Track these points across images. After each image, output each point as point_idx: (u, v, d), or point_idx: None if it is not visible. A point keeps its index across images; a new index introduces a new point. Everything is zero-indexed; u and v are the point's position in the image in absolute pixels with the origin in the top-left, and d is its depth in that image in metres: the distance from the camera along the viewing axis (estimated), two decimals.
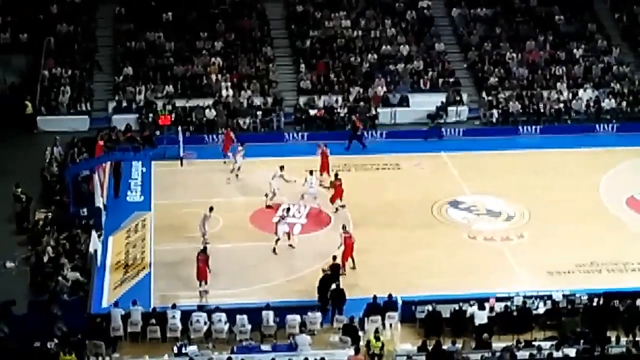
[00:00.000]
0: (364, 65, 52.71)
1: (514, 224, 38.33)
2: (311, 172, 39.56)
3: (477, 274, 34.04)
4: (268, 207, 38.85)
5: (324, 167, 41.71)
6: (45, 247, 33.75)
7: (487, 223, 38.37)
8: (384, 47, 53.88)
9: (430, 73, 52.62)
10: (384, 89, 51.42)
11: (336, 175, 39.88)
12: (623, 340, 28.77)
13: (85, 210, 37.15)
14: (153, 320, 29.74)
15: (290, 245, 35.66)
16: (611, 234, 37.22)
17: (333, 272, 31.73)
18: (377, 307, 30.27)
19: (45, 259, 33.23)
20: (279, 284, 33.20)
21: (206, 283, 32.55)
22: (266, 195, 38.89)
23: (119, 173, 41.21)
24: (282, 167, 39.26)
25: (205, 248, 33.29)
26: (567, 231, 37.21)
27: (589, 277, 33.94)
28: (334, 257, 32.45)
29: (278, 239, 35.24)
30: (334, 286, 30.98)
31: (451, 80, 52.39)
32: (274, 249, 35.17)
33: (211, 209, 35.75)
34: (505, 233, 37.42)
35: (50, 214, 37.46)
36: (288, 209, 37.43)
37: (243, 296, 32.17)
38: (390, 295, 30.71)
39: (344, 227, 34.10)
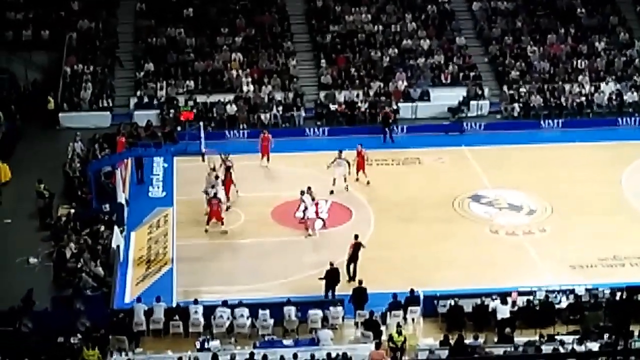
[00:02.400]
0: (384, 60, 52.64)
1: (536, 218, 38.21)
2: (307, 190, 37.29)
3: (499, 268, 33.99)
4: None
5: (360, 166, 41.08)
6: (68, 243, 33.90)
7: (509, 217, 38.27)
8: (404, 41, 53.80)
9: (451, 67, 52.51)
10: (405, 83, 51.35)
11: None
12: None
13: (107, 206, 37.27)
14: (176, 316, 29.84)
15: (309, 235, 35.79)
16: (634, 228, 37.00)
17: (330, 278, 31.61)
18: (399, 304, 30.24)
19: (68, 254, 33.39)
20: (301, 278, 33.17)
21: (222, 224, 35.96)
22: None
23: (142, 162, 41.67)
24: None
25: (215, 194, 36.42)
26: (589, 225, 37.06)
27: (612, 271, 33.80)
28: (331, 264, 32.12)
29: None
30: (356, 284, 30.95)
31: (472, 74, 52.25)
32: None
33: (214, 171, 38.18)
34: (527, 227, 37.31)
35: (72, 210, 37.63)
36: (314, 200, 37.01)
37: (265, 291, 32.22)
38: (412, 290, 30.68)
39: (356, 236, 33.31)
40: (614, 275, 33.31)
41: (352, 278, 32.25)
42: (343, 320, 30.22)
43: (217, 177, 38.17)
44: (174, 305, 30.63)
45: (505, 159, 44.15)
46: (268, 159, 42.88)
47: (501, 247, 35.95)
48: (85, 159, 42.16)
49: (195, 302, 30.18)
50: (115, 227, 35.13)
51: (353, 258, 32.57)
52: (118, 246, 34.32)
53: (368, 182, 40.64)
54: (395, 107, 49.70)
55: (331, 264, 31.89)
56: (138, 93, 50.12)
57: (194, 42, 53.06)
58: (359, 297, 30.42)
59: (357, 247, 32.62)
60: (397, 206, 38.96)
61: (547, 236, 36.67)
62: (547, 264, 34.38)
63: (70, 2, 54.41)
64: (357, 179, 40.89)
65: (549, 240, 36.31)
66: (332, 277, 31.57)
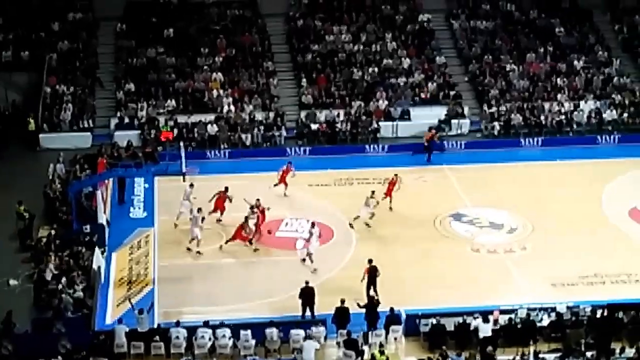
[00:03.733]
0: (365, 79, 52.79)
1: (516, 236, 38.32)
2: (313, 224, 36.68)
3: (481, 286, 34.03)
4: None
5: (388, 193, 40.61)
6: (48, 264, 33.74)
7: (490, 235, 38.37)
8: (385, 60, 54.00)
9: (431, 86, 52.70)
10: (386, 102, 51.51)
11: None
12: (628, 351, 28.72)
13: (88, 227, 37.15)
14: (157, 337, 29.72)
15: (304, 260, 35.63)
16: (614, 246, 37.21)
17: (305, 296, 31.59)
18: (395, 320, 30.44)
19: (49, 276, 33.22)
20: (283, 298, 33.11)
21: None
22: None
23: (124, 183, 41.68)
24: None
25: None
26: (570, 243, 37.21)
27: (593, 288, 33.90)
28: (307, 282, 31.99)
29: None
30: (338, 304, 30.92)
31: (452, 93, 52.46)
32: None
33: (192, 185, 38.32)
34: (508, 245, 37.41)
35: (53, 231, 37.45)
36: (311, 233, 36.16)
37: (247, 311, 32.13)
38: (392, 309, 30.65)
39: (369, 260, 32.94)
40: (595, 292, 33.42)
41: (377, 301, 31.72)
42: (325, 339, 30.15)
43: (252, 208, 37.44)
44: (155, 326, 30.47)
45: (486, 178, 44.30)
46: (286, 187, 41.90)
47: (482, 265, 36.02)
48: (66, 179, 42.01)
49: (177, 324, 30.06)
50: (96, 248, 35.01)
51: (371, 282, 32.38)
52: (99, 267, 34.17)
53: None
54: (376, 126, 49.85)
55: (306, 283, 31.85)
56: (118, 113, 50.05)
57: (175, 62, 53.07)
58: (341, 316, 30.36)
59: (372, 270, 32.41)
60: (378, 225, 38.96)
61: (528, 254, 36.77)
62: (528, 282, 34.47)
63: (50, 23, 54.31)
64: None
65: (530, 258, 36.41)
66: (307, 296, 31.49)
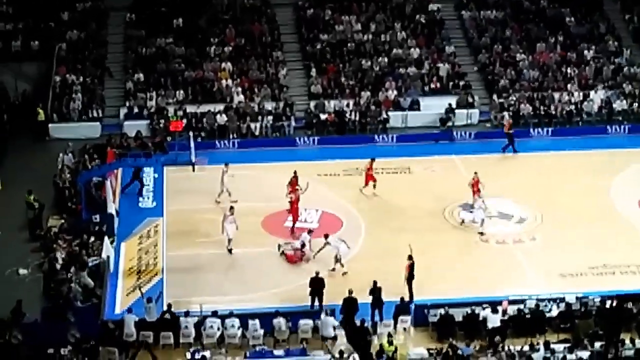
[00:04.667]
0: (374, 69, 52.71)
1: (526, 226, 38.25)
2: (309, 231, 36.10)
3: (490, 277, 34.00)
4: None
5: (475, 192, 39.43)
6: (58, 253, 33.84)
7: (499, 226, 38.30)
8: (394, 50, 53.90)
9: (440, 76, 52.61)
10: (395, 92, 51.44)
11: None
12: (637, 342, 28.67)
13: (97, 216, 37.24)
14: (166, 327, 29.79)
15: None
16: (623, 236, 37.11)
17: (314, 286, 31.60)
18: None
19: (58, 266, 33.33)
20: (292, 288, 33.14)
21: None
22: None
23: (140, 177, 41.44)
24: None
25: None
26: (579, 233, 37.12)
27: (602, 279, 33.84)
28: (317, 273, 32.03)
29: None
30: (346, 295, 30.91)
31: (462, 83, 52.36)
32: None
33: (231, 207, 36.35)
34: (518, 236, 37.35)
35: (62, 220, 37.57)
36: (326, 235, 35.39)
37: (256, 301, 32.14)
38: (402, 299, 30.69)
39: (409, 257, 32.58)
40: (604, 283, 33.36)
41: (410, 300, 31.77)
42: (334, 329, 30.13)
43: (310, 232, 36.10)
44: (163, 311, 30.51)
45: (495, 168, 44.20)
46: (374, 186, 41.25)
47: (491, 255, 35.99)
48: (75, 169, 42.10)
49: (187, 313, 30.11)
50: (106, 238, 35.05)
51: (410, 278, 32.28)
52: (108, 257, 34.23)
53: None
54: (385, 116, 49.82)
55: (317, 273, 31.88)
56: (128, 103, 50.09)
57: (184, 52, 53.05)
58: (350, 307, 30.37)
59: (412, 267, 32.30)
60: (388, 216, 38.96)
61: (537, 244, 36.72)
62: (537, 273, 34.42)
63: (60, 13, 54.35)
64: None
65: (539, 249, 36.37)
66: (316, 286, 31.52)
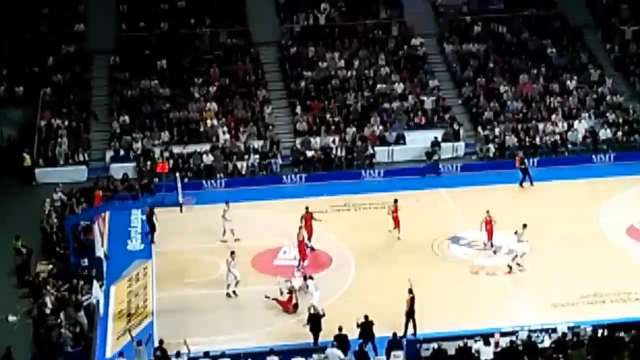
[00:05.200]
0: (359, 105, 52.89)
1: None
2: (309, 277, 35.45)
3: (481, 309, 33.98)
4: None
5: (489, 236, 39.16)
6: (47, 299, 33.65)
7: (489, 258, 38.31)
8: (378, 85, 54.14)
9: (425, 109, 52.81)
10: (380, 127, 51.60)
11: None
12: None
13: (86, 260, 37.11)
14: None
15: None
16: (613, 265, 37.17)
17: (313, 322, 31.61)
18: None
19: (48, 311, 33.13)
20: (284, 326, 33.07)
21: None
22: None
23: (153, 222, 40.78)
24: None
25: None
26: (568, 263, 37.17)
27: (593, 308, 33.86)
28: (314, 307, 32.05)
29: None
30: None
31: (447, 116, 52.57)
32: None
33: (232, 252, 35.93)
34: (507, 267, 37.32)
35: (51, 265, 37.41)
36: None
37: (248, 341, 31.99)
38: (394, 334, 30.59)
39: (410, 290, 32.38)
40: (595, 312, 33.36)
41: (414, 333, 31.85)
42: None
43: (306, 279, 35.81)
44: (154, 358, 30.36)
45: (483, 200, 44.18)
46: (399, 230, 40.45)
47: (482, 288, 35.98)
48: (62, 213, 41.97)
49: (177, 354, 29.91)
50: (95, 282, 34.88)
51: (411, 312, 32.16)
52: (98, 300, 34.05)
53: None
54: (371, 151, 49.95)
55: (314, 309, 31.78)
56: (113, 146, 50.06)
57: (169, 93, 53.15)
58: (340, 344, 30.24)
59: (412, 301, 32.19)
60: (377, 250, 38.94)
61: (527, 275, 36.71)
62: (528, 303, 34.42)
63: (45, 58, 54.41)
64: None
65: (529, 280, 36.37)
66: (314, 323, 31.43)
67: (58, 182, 46.28)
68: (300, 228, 37.96)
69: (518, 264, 36.93)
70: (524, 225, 37.25)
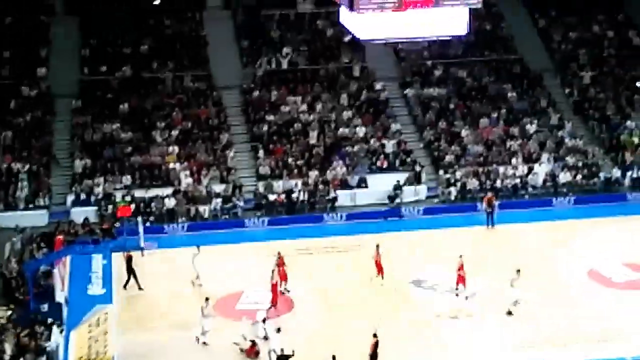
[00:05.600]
0: (321, 148, 53.07)
1: (476, 300, 38.40)
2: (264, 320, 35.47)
3: (445, 353, 33.94)
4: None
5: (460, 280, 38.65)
6: (6, 345, 33.22)
7: (451, 301, 38.35)
8: (340, 129, 54.39)
9: (387, 153, 53.09)
10: (343, 170, 51.78)
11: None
12: None
13: (46, 306, 36.72)
14: None
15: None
16: (574, 308, 37.32)
17: None
18: None
19: (7, 357, 32.69)
20: None
21: None
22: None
23: (132, 268, 40.17)
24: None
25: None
26: (531, 305, 37.24)
27: (558, 350, 33.91)
28: (282, 350, 31.95)
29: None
30: None
31: (408, 159, 52.86)
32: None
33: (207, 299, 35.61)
34: (469, 310, 37.39)
35: (10, 311, 36.95)
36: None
37: None
38: (334, 357, 30.45)
39: (374, 335, 32.31)
40: (558, 355, 33.45)
41: None
42: None
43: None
44: None
45: (444, 243, 44.45)
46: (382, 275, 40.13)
47: (445, 331, 35.96)
48: (21, 258, 41.57)
49: None
50: (54, 327, 34.54)
51: (374, 356, 32.01)
52: (57, 346, 33.69)
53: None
54: (334, 194, 50.08)
55: (282, 350, 31.62)
56: (75, 190, 49.78)
57: (131, 137, 53.04)
58: None
59: (376, 345, 32.05)
60: (340, 294, 38.88)
61: (488, 318, 36.73)
62: (491, 346, 34.42)
63: (9, 101, 54.13)
64: None
65: (491, 323, 36.41)
66: None
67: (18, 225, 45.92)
68: (273, 272, 37.88)
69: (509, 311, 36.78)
70: (518, 271, 37.15)
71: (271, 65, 58.64)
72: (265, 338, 33.94)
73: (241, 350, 33.96)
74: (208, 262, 41.20)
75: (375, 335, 32.15)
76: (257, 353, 33.76)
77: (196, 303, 36.42)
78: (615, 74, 59.55)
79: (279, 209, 49.70)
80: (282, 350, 31.90)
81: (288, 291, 38.68)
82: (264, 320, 34.60)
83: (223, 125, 54.77)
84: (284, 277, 38.89)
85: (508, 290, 36.97)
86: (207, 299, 35.59)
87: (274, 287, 37.71)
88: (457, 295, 38.15)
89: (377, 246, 40.16)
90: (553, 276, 40.39)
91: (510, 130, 55.23)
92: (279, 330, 33.43)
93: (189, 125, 54.17)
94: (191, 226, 47.70)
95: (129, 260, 40.13)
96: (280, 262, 39.02)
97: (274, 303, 37.53)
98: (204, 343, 34.81)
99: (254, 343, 33.97)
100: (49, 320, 35.54)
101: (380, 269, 39.93)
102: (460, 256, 38.62)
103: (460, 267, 38.37)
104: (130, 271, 40.04)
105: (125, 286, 39.99)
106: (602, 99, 57.90)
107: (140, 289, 39.79)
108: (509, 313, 36.61)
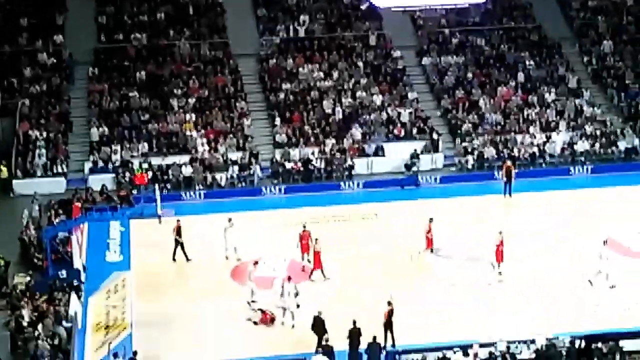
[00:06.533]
0: (338, 116, 52.96)
1: (494, 269, 38.34)
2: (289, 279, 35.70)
3: (460, 320, 33.99)
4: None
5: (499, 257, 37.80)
6: (24, 311, 33.46)
7: (468, 269, 38.37)
8: (357, 97, 54.23)
9: (404, 122, 52.95)
10: (360, 139, 51.70)
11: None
12: None
13: (64, 272, 36.92)
14: None
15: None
16: (591, 276, 37.24)
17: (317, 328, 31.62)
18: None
19: (25, 323, 32.95)
20: (263, 338, 33.01)
21: None
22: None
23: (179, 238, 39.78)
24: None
25: None
26: (547, 274, 37.25)
27: (572, 319, 33.89)
28: (319, 313, 32.10)
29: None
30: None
31: (425, 128, 52.72)
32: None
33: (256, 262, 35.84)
34: (486, 278, 37.40)
35: (29, 277, 37.20)
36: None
37: (227, 353, 31.90)
38: (369, 345, 30.52)
39: (389, 303, 32.31)
40: (574, 323, 33.42)
41: (393, 345, 31.84)
42: None
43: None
44: None
45: (461, 211, 44.42)
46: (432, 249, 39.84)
47: (461, 299, 35.99)
48: (40, 225, 41.78)
49: None
50: (73, 293, 34.73)
51: (388, 325, 32.04)
52: (75, 312, 33.87)
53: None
54: (351, 163, 50.04)
55: (319, 313, 31.81)
56: (92, 157, 49.91)
57: (148, 105, 53.06)
58: (326, 354, 30.24)
59: (390, 313, 32.10)
60: (356, 263, 38.93)
61: (506, 287, 36.79)
62: (507, 315, 34.47)
63: (22, 69, 54.22)
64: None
65: (508, 291, 36.44)
66: (319, 326, 31.48)
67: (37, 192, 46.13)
68: (316, 240, 37.55)
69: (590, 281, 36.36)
70: (605, 242, 36.88)
71: (288, 33, 58.44)
72: (297, 294, 34.02)
73: (255, 323, 34.09)
74: (224, 230, 41.24)
75: (389, 304, 32.19)
76: (272, 319, 33.89)
77: (213, 270, 36.55)
78: (634, 42, 59.08)
79: (296, 177, 49.73)
80: (297, 306, 32.76)
81: (309, 262, 38.51)
82: (289, 279, 34.64)
83: (240, 94, 54.70)
84: (306, 249, 38.66)
85: (594, 261, 36.65)
86: (255, 262, 35.75)
87: (317, 255, 37.46)
88: (500, 273, 37.28)
89: (430, 220, 39.61)
90: (570, 244, 40.27)
91: (528, 99, 54.96)
92: (297, 294, 33.67)
93: (205, 93, 54.15)
94: (208, 194, 47.78)
95: (178, 230, 39.71)
96: (305, 236, 38.67)
97: (319, 267, 37.42)
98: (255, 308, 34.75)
99: (263, 311, 34.10)
100: (68, 286, 35.78)
101: (430, 243, 39.45)
102: (500, 232, 37.65)
103: (500, 243, 37.39)
104: (178, 241, 39.63)
105: (174, 257, 39.53)
106: (620, 67, 57.53)
107: (187, 259, 39.46)
108: (590, 282, 36.29)
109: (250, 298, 34.84)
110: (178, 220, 40.05)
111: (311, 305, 33.63)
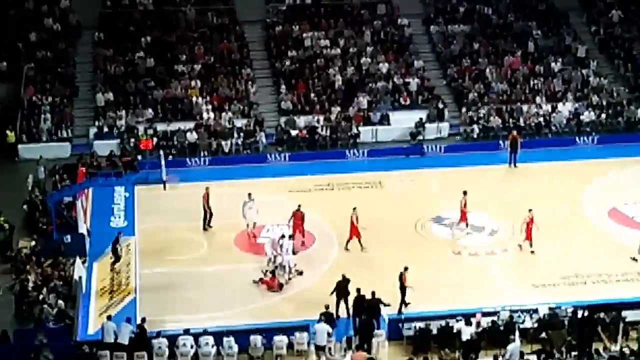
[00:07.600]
0: (344, 84, 52.82)
1: (497, 238, 38.41)
2: (290, 237, 36.13)
3: (463, 289, 34.06)
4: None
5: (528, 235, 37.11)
6: (29, 275, 33.59)
7: (471, 238, 38.41)
8: (363, 65, 54.07)
9: (410, 90, 52.81)
10: (365, 107, 51.59)
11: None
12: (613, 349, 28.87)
13: (69, 237, 37.02)
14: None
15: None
16: (594, 246, 37.37)
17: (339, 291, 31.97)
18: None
19: (30, 287, 33.09)
20: (266, 304, 33.14)
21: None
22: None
23: (208, 206, 39.61)
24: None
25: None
26: (550, 244, 37.27)
27: (574, 289, 33.98)
28: (343, 276, 32.24)
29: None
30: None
31: (431, 96, 52.58)
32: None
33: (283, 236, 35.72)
34: (490, 247, 37.47)
35: (33, 242, 37.32)
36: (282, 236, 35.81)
37: (230, 318, 32.04)
38: (373, 293, 30.88)
39: (406, 268, 32.61)
40: (576, 293, 33.51)
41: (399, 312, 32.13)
42: (309, 345, 30.09)
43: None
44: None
45: (466, 181, 44.31)
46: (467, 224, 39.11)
47: (464, 268, 36.08)
48: (45, 189, 41.83)
49: (158, 334, 29.84)
50: (77, 258, 34.87)
51: (403, 289, 32.26)
52: (80, 277, 34.03)
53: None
54: (356, 131, 49.96)
55: (343, 276, 32.02)
56: (97, 123, 49.90)
57: (153, 70, 52.94)
58: (327, 322, 30.32)
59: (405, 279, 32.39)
60: (361, 230, 38.91)
61: (510, 256, 36.88)
62: (510, 284, 34.56)
63: (28, 34, 54.09)
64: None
65: (511, 260, 36.54)
66: (341, 289, 31.67)
67: (42, 156, 46.14)
68: (354, 209, 37.22)
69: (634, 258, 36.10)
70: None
71: (295, 0, 58.18)
72: (294, 253, 34.69)
73: (260, 280, 34.23)
74: (228, 197, 41.30)
75: (406, 269, 32.29)
76: (280, 286, 33.99)
77: (213, 238, 36.59)
78: None
79: (301, 145, 49.69)
80: (295, 265, 33.74)
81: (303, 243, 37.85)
82: (290, 237, 35.22)
83: (245, 60, 54.56)
84: (297, 228, 37.70)
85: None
86: (283, 236, 35.58)
87: (353, 228, 37.13)
88: (532, 252, 36.63)
89: (465, 192, 38.89)
90: (574, 215, 40.29)
91: (534, 68, 54.75)
92: (295, 252, 34.49)
93: (211, 59, 53.99)
94: (213, 160, 47.79)
95: (206, 198, 39.60)
96: (298, 216, 37.92)
97: (352, 238, 37.30)
98: (289, 279, 34.71)
99: (274, 274, 34.23)
100: (72, 250, 35.89)
101: (463, 218, 38.84)
102: (530, 210, 36.96)
103: (530, 221, 36.70)
104: (208, 208, 39.50)
105: (206, 226, 39.42)
106: (628, 37, 57.23)
107: (209, 226, 39.49)
108: (634, 259, 36.09)
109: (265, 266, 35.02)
110: (207, 188, 39.82)
111: (314, 272, 33.75)
